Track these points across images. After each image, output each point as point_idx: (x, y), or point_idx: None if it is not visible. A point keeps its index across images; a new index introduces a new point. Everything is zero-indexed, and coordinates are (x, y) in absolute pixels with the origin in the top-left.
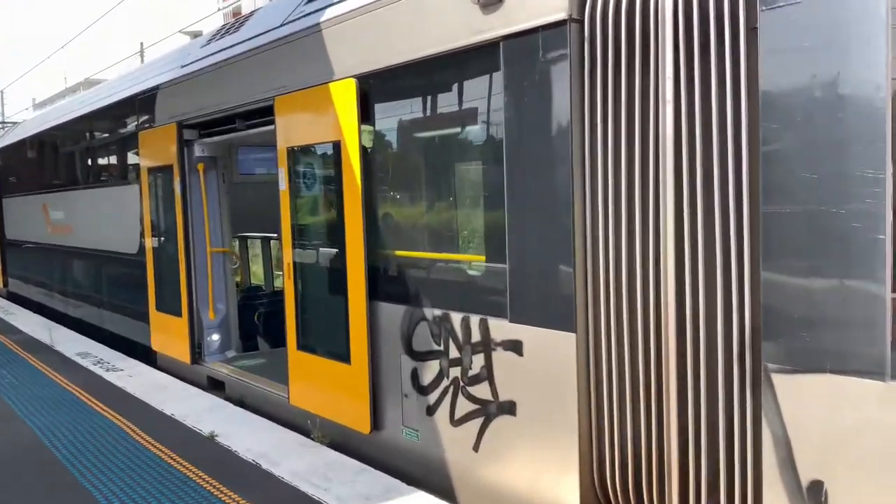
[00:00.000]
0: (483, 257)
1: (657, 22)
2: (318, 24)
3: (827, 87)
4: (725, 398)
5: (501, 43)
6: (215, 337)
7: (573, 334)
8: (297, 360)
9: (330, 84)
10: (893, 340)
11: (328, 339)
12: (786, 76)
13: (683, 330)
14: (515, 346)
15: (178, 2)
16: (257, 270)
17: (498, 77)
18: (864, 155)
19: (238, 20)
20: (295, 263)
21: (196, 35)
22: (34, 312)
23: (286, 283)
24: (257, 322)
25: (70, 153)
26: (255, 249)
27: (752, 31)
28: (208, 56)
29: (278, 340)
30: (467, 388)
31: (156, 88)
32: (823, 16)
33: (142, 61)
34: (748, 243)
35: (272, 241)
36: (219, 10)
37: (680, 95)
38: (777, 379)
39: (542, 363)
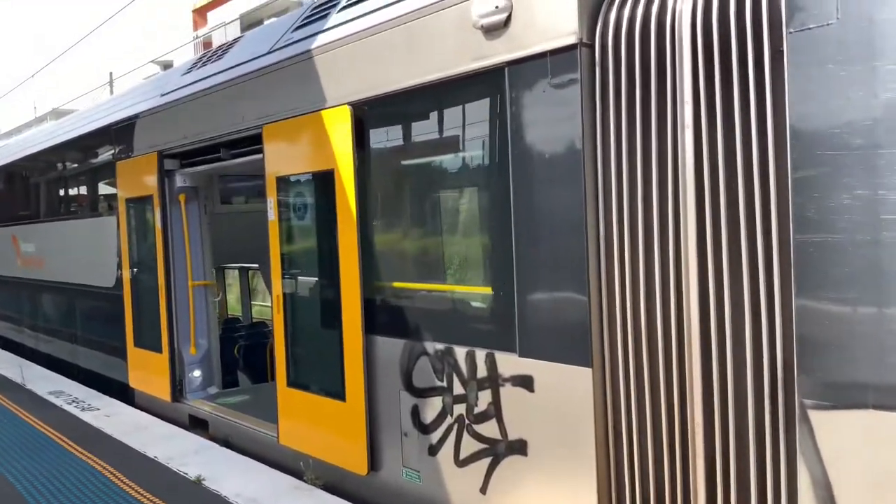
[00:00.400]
0: (489, 288)
1: (674, 44)
2: (308, 50)
3: (861, 110)
4: (757, 436)
5: (507, 68)
6: (197, 373)
7: (589, 369)
8: (288, 397)
9: (323, 111)
10: None
11: (321, 376)
12: (816, 99)
13: (709, 363)
14: (525, 382)
15: (148, 32)
16: (231, 300)
17: (504, 103)
18: None
19: (221, 48)
20: (285, 296)
21: (167, 65)
22: (2, 349)
23: (275, 316)
24: (237, 356)
25: (43, 183)
26: (229, 279)
27: (777, 53)
28: (191, 84)
29: (259, 374)
30: (473, 426)
31: (135, 117)
32: (858, 36)
33: (111, 92)
34: (778, 273)
35: (250, 272)
36: (196, 37)
37: (700, 120)
38: (814, 415)
39: (555, 400)
